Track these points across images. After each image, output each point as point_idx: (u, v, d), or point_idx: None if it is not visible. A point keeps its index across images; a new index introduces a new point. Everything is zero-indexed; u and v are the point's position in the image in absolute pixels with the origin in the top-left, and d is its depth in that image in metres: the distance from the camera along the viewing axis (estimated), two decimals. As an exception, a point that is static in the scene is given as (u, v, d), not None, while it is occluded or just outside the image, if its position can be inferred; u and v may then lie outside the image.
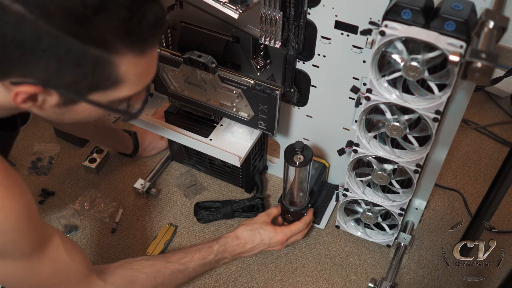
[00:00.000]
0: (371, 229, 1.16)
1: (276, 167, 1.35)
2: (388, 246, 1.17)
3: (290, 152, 1.05)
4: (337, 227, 1.17)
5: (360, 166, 1.01)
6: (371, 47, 0.90)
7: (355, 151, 0.96)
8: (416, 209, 1.21)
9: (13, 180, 0.72)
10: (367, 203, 1.08)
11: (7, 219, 0.70)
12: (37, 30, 0.57)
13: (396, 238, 1.15)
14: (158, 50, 0.69)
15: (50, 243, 0.79)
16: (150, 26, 0.63)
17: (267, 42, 0.95)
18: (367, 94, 0.85)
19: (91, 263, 0.88)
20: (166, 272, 0.99)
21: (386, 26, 0.75)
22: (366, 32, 0.83)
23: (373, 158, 0.96)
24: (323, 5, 0.91)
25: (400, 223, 1.08)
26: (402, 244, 1.19)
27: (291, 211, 1.16)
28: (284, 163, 1.08)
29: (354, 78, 0.99)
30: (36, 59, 0.59)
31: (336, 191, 1.21)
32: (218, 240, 1.08)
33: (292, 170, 1.07)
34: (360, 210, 1.10)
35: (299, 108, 1.13)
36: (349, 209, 1.13)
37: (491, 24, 0.68)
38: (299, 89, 1.08)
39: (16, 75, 0.61)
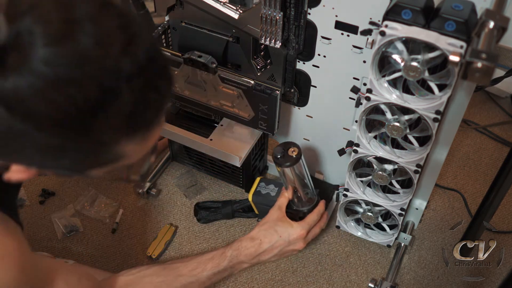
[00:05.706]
0: (371, 229, 1.16)
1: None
2: (389, 246, 1.17)
3: (279, 157, 1.02)
4: (338, 227, 1.17)
5: (361, 166, 1.01)
6: (371, 47, 0.90)
7: (355, 151, 0.96)
8: (417, 209, 1.21)
9: (5, 246, 0.69)
10: (367, 203, 1.08)
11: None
12: (34, 141, 0.51)
13: (396, 238, 1.15)
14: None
15: None
16: (157, 111, 0.57)
17: (267, 42, 0.95)
18: (367, 94, 0.85)
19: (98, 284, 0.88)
20: (177, 286, 0.96)
21: (386, 26, 0.75)
22: (366, 32, 0.83)
23: (373, 158, 0.96)
24: (323, 5, 0.90)
25: (400, 223, 1.08)
26: (402, 244, 1.19)
27: (306, 212, 1.09)
28: (280, 172, 1.05)
29: (354, 78, 0.99)
30: (30, 155, 0.54)
31: (336, 191, 1.21)
32: (232, 245, 1.02)
33: (288, 171, 1.04)
34: (360, 210, 1.10)
35: (299, 108, 1.12)
36: (349, 209, 1.13)
37: (491, 24, 0.68)
38: (299, 89, 1.08)
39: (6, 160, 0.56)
